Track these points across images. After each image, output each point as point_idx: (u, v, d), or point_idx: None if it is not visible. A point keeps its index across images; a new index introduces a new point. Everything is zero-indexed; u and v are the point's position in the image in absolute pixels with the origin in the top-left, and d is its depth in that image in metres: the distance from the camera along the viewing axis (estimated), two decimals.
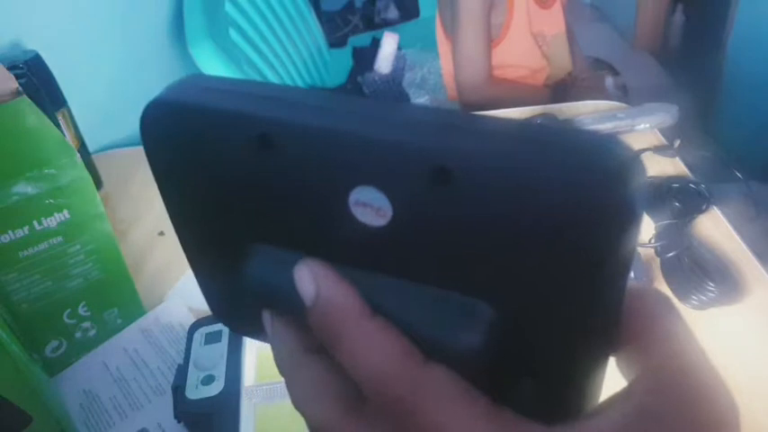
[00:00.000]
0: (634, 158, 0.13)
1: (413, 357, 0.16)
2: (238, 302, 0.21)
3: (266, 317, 0.20)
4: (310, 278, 0.17)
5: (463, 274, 0.16)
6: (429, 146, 0.14)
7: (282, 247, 0.18)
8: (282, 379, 0.20)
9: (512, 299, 0.15)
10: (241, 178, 0.17)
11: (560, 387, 0.17)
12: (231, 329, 0.23)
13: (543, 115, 0.79)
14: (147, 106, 0.17)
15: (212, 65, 0.96)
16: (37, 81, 0.68)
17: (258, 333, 0.20)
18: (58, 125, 0.72)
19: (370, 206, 0.15)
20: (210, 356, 0.50)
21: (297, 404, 0.19)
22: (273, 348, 0.20)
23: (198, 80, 0.17)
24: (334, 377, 0.18)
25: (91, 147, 0.81)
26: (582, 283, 0.14)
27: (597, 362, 0.17)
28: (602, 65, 1.29)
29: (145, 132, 0.17)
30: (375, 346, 0.16)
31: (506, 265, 0.15)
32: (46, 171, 0.47)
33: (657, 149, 0.74)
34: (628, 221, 0.13)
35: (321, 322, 0.17)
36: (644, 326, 0.18)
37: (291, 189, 0.16)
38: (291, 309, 0.18)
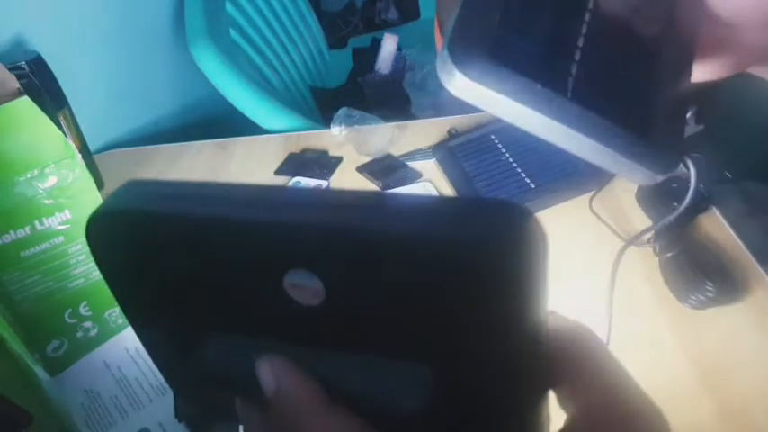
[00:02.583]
0: (517, 222, 0.15)
1: None
2: (205, 392, 0.22)
3: (238, 404, 0.21)
4: (269, 372, 0.18)
5: (398, 340, 0.17)
6: (349, 228, 0.15)
7: (233, 334, 0.19)
8: None
9: (445, 358, 0.17)
10: (184, 275, 0.18)
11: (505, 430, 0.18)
12: (198, 412, 0.25)
13: None
14: (91, 218, 0.18)
15: (212, 65, 0.96)
16: (38, 81, 0.69)
17: (229, 420, 0.22)
18: (59, 125, 0.72)
19: (304, 287, 0.16)
20: None
21: None
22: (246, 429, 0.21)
23: (136, 186, 0.18)
24: None
25: (92, 147, 0.82)
26: (497, 334, 0.16)
27: (532, 401, 0.18)
28: None
29: (91, 241, 0.18)
30: None
31: (432, 328, 0.16)
32: (47, 171, 0.47)
33: None
34: (519, 281, 0.15)
35: (281, 413, 0.18)
36: (575, 363, 0.19)
37: (230, 279, 0.18)
38: (255, 394, 0.19)
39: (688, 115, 0.31)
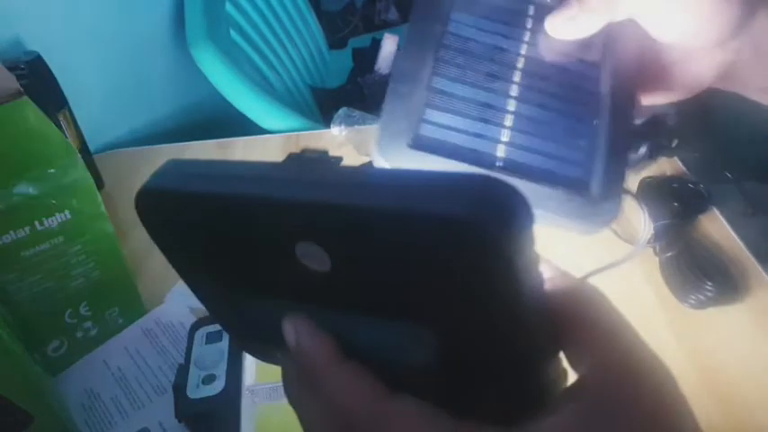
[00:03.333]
0: (499, 193, 0.15)
1: (380, 392, 0.19)
2: (254, 343, 0.25)
3: (279, 356, 0.23)
4: (291, 331, 0.21)
5: (401, 303, 0.18)
6: (339, 204, 0.16)
7: (266, 296, 0.22)
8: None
9: (445, 321, 0.18)
10: (216, 244, 0.21)
11: (515, 389, 0.19)
12: (252, 354, 0.28)
13: None
14: (139, 193, 0.20)
15: (213, 66, 0.96)
16: (38, 82, 0.69)
17: (273, 358, 0.25)
18: (59, 125, 0.72)
19: (312, 257, 0.18)
20: (211, 356, 0.50)
21: (303, 425, 0.22)
22: (282, 374, 0.23)
23: (173, 166, 0.20)
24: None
25: (92, 147, 0.82)
26: (491, 298, 0.16)
27: (541, 360, 0.19)
28: None
29: (140, 214, 0.21)
30: (345, 387, 0.19)
31: (429, 293, 0.17)
32: (47, 171, 0.47)
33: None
34: (501, 246, 0.15)
35: (301, 366, 0.21)
36: (581, 320, 0.19)
37: (254, 248, 0.20)
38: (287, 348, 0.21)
39: (642, 150, 0.32)
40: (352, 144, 0.82)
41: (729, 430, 0.48)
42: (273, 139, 0.88)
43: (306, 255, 0.18)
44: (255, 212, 0.18)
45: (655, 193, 0.66)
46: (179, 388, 0.48)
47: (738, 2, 0.32)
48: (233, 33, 1.07)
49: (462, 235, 0.15)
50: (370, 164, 0.21)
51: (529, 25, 0.33)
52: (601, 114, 0.31)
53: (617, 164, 0.30)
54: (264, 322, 0.22)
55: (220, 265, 0.22)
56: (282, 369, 0.23)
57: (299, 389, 0.21)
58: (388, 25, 1.77)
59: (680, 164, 0.73)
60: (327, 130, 0.84)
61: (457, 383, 0.19)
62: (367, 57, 1.36)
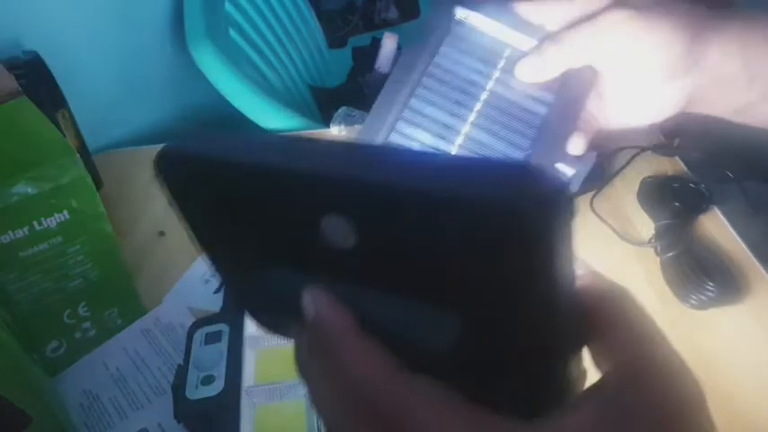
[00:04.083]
0: (542, 185, 0.15)
1: (398, 371, 0.19)
2: (268, 315, 0.25)
3: (293, 330, 0.23)
4: (311, 301, 0.20)
5: (427, 285, 0.18)
6: (375, 183, 0.16)
7: (286, 267, 0.21)
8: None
9: (472, 306, 0.18)
10: (240, 213, 0.21)
11: (536, 383, 0.19)
12: (261, 326, 0.28)
13: None
14: (160, 154, 0.20)
15: (212, 65, 0.96)
16: (37, 81, 0.68)
17: (283, 330, 0.25)
18: (57, 125, 0.72)
19: (339, 231, 0.18)
20: (210, 356, 0.50)
21: (314, 399, 0.22)
22: (294, 348, 0.23)
23: (204, 134, 0.21)
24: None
25: (91, 147, 0.81)
26: (523, 290, 0.16)
27: (565, 357, 0.19)
28: None
29: (160, 175, 0.21)
30: (362, 362, 0.19)
31: (459, 279, 0.17)
32: (46, 171, 0.47)
33: (657, 148, 0.74)
34: (542, 241, 0.15)
35: (317, 338, 0.20)
36: (609, 320, 0.19)
37: (279, 219, 0.20)
38: (303, 322, 0.21)
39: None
40: None
41: (730, 430, 0.48)
42: None
43: (332, 228, 0.18)
44: (285, 184, 0.18)
45: (656, 192, 0.66)
46: (178, 389, 0.48)
47: (686, 30, 0.38)
48: (232, 33, 1.07)
49: (507, 221, 0.15)
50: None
51: (501, 65, 0.42)
52: (535, 145, 0.39)
53: None
54: (281, 292, 0.22)
55: (240, 232, 0.22)
56: (295, 343, 0.22)
57: (313, 361, 0.21)
58: (388, 24, 1.76)
59: (681, 163, 0.73)
60: (327, 129, 0.84)
61: (477, 371, 0.19)
62: (367, 56, 1.36)
